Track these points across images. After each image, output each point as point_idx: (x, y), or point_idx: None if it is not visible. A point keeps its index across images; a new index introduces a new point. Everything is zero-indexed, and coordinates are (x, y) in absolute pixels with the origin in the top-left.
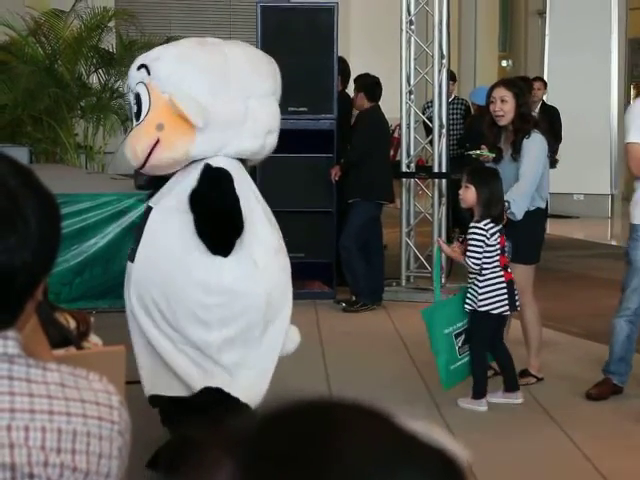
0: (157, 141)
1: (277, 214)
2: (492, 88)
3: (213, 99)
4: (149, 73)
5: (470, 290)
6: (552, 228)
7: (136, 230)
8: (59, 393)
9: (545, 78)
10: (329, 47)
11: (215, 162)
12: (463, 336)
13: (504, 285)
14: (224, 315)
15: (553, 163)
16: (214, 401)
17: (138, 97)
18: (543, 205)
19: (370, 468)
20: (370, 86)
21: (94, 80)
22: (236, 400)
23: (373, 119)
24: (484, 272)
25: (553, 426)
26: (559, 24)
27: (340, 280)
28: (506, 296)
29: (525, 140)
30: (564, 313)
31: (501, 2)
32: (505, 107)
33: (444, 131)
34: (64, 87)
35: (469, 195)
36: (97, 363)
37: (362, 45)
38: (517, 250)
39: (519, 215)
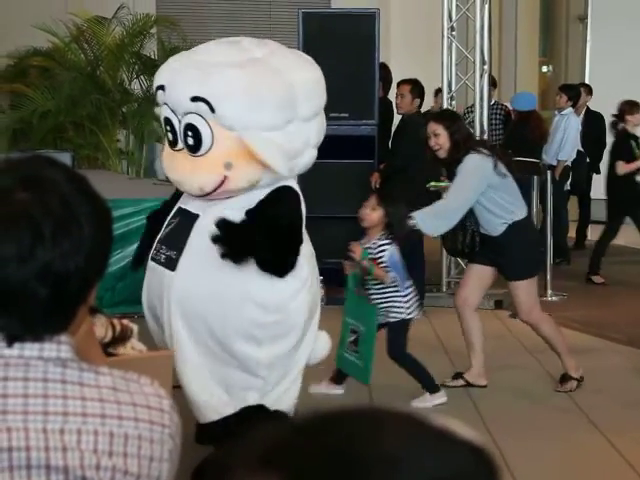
0: (224, 178)
1: (316, 219)
2: (424, 124)
3: (283, 133)
4: (213, 110)
5: (391, 303)
6: (594, 234)
7: (170, 234)
8: (111, 397)
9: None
10: (370, 53)
11: (286, 183)
12: (355, 336)
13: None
14: (277, 333)
15: (596, 169)
16: (254, 418)
17: (195, 130)
18: (519, 217)
19: (412, 473)
20: (423, 93)
21: (136, 86)
22: (268, 410)
23: (419, 124)
24: (404, 283)
25: (595, 433)
26: (600, 29)
27: None
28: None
29: (459, 165)
30: (605, 320)
31: (542, 8)
32: (439, 140)
33: (485, 136)
34: (106, 93)
35: (375, 216)
36: (145, 367)
37: (402, 51)
38: (510, 268)
39: (432, 233)
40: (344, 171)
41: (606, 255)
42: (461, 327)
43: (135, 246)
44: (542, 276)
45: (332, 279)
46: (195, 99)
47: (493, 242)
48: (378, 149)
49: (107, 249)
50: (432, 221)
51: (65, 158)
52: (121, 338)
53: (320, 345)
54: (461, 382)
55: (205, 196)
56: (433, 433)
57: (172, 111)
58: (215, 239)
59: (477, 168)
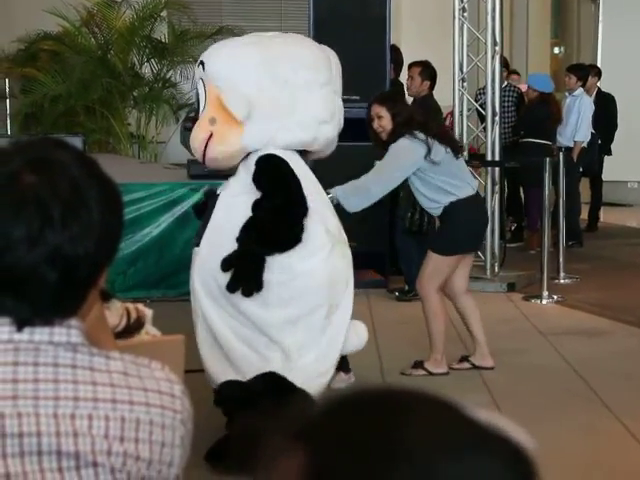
0: (210, 135)
1: None
2: (368, 106)
3: (259, 92)
4: (204, 68)
5: None
6: (606, 216)
7: (203, 218)
8: (122, 382)
9: (599, 64)
10: (382, 35)
11: (267, 151)
12: None
13: None
14: (283, 295)
15: (607, 151)
16: (269, 387)
17: (197, 93)
18: (460, 197)
19: (438, 455)
20: (435, 75)
21: (146, 70)
22: (291, 385)
23: (429, 106)
24: None
25: (609, 416)
26: (612, 10)
27: (393, 269)
28: None
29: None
30: (618, 302)
31: None
32: (382, 123)
33: (497, 119)
34: (117, 77)
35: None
36: (157, 352)
37: (413, 33)
38: (434, 238)
39: (352, 209)
40: (354, 153)
41: (619, 236)
42: (458, 313)
43: (146, 230)
44: (555, 259)
45: None
46: (199, 64)
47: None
48: None
49: (117, 233)
50: (352, 198)
51: (76, 142)
52: (136, 326)
53: (356, 333)
54: (467, 365)
55: (204, 161)
56: (469, 428)
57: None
58: (229, 287)
59: (406, 149)
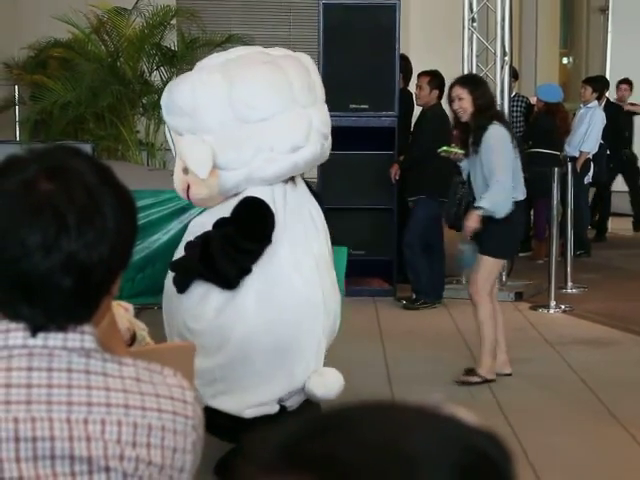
0: (188, 185)
1: (338, 211)
2: (450, 87)
3: (222, 128)
4: (166, 114)
5: None
6: (615, 226)
7: None
8: (134, 387)
9: (607, 75)
10: (391, 44)
11: (248, 192)
12: None
13: None
14: (204, 343)
15: (617, 162)
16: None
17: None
18: (513, 199)
19: (436, 455)
20: (443, 84)
21: (156, 78)
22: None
23: (438, 116)
24: None
25: (617, 426)
26: (622, 21)
27: (400, 277)
28: None
29: (485, 133)
30: (625, 312)
31: None
32: (463, 104)
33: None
34: (126, 84)
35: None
36: (168, 358)
37: (421, 43)
38: (486, 241)
39: (499, 210)
40: (364, 163)
41: (629, 247)
42: (476, 319)
43: (154, 237)
44: (562, 268)
45: (352, 270)
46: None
47: (484, 217)
48: (398, 140)
49: (131, 240)
50: (501, 204)
51: (86, 149)
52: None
53: (330, 381)
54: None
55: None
56: (449, 422)
57: None
58: (172, 265)
59: (504, 138)
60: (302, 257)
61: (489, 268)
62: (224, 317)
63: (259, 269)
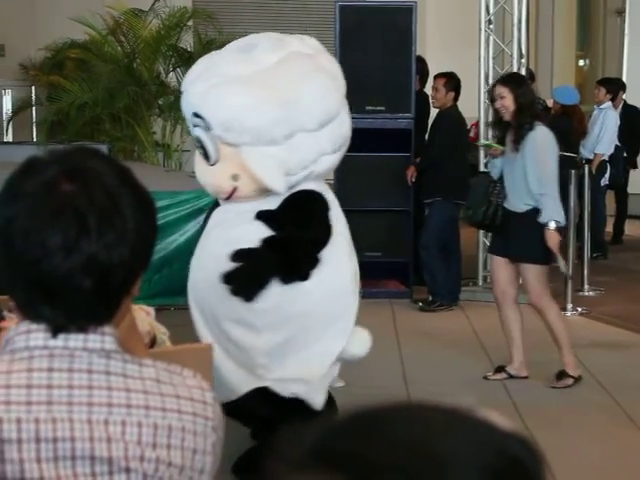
0: (234, 189)
1: (354, 213)
2: (492, 86)
3: (286, 147)
4: (209, 128)
5: None
6: (631, 229)
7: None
8: (155, 389)
9: (624, 77)
10: (407, 46)
11: (306, 186)
12: None
13: None
14: (268, 321)
15: (634, 164)
16: (261, 402)
17: (200, 141)
18: None
19: (469, 459)
20: (459, 86)
21: (172, 79)
22: (284, 399)
23: (455, 118)
24: None
25: (634, 429)
26: (638, 22)
27: (416, 279)
28: None
29: (530, 133)
30: None
31: (579, 1)
32: (505, 102)
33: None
34: (142, 86)
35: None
36: (186, 359)
37: (437, 45)
38: (523, 248)
39: (557, 215)
40: (380, 164)
41: None
42: (501, 321)
43: (171, 238)
44: (579, 271)
45: (369, 272)
46: (195, 115)
47: (514, 219)
48: (415, 142)
49: (151, 241)
50: (558, 211)
51: (102, 150)
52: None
53: (357, 342)
54: (503, 375)
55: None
56: (481, 425)
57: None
58: (226, 278)
59: (551, 140)
60: (348, 240)
61: (539, 275)
62: (286, 294)
63: None
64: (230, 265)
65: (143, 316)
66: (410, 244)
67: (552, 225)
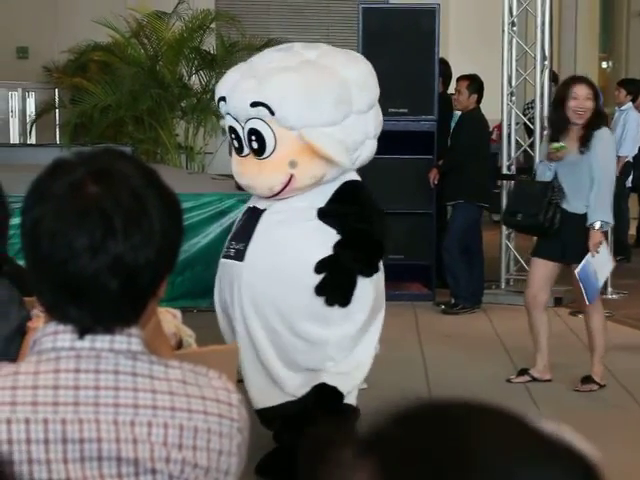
0: (291, 177)
1: None
2: (572, 84)
3: (341, 127)
4: (272, 113)
5: None
6: None
7: (239, 230)
8: (180, 390)
9: None
10: (430, 48)
11: (348, 177)
12: None
13: None
14: (344, 312)
15: None
16: (320, 399)
17: (258, 134)
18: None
19: (510, 469)
20: (482, 89)
21: (195, 81)
22: (341, 394)
23: (477, 120)
24: None
25: None
26: None
27: (439, 282)
28: None
29: (595, 132)
30: None
31: (602, 3)
32: (588, 105)
33: (545, 133)
34: (165, 88)
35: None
36: (211, 361)
37: (459, 47)
38: (584, 249)
39: (606, 216)
40: (403, 167)
41: None
42: (529, 324)
43: (194, 241)
44: None
45: (391, 275)
46: (255, 104)
47: (573, 221)
48: (437, 145)
49: (177, 242)
50: (608, 213)
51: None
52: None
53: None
54: (527, 378)
55: (274, 196)
56: (539, 440)
57: (235, 119)
58: (319, 290)
59: (613, 143)
60: None
61: None
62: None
63: None
64: (309, 269)
65: (169, 318)
66: (432, 247)
67: (597, 225)
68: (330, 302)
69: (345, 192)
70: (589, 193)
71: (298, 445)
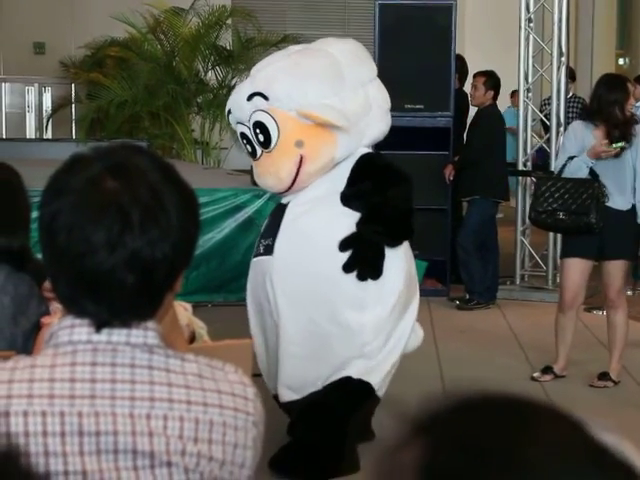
0: (301, 158)
1: None
2: (625, 84)
3: (338, 99)
4: (266, 99)
5: None
6: None
7: (266, 227)
8: (196, 384)
9: None
10: (447, 45)
11: (360, 153)
12: None
13: None
14: (376, 295)
15: None
16: (346, 392)
17: (261, 125)
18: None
19: (557, 471)
20: (499, 85)
21: (211, 77)
22: (369, 386)
23: (494, 117)
24: None
25: None
26: None
27: (453, 277)
28: None
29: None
30: None
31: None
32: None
33: (562, 129)
34: (182, 84)
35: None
36: (226, 355)
37: (475, 43)
38: (620, 245)
39: None
40: (419, 163)
41: None
42: (557, 321)
43: (209, 236)
44: None
45: None
46: (250, 97)
47: (616, 218)
48: (453, 141)
49: (194, 237)
50: None
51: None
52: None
53: (414, 333)
54: (552, 376)
55: (293, 185)
56: (593, 449)
57: (241, 123)
58: (346, 267)
59: None
60: None
61: (626, 271)
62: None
63: None
64: (339, 255)
65: (181, 311)
66: (447, 242)
67: None
68: (361, 276)
69: (360, 169)
70: (631, 190)
71: (311, 439)
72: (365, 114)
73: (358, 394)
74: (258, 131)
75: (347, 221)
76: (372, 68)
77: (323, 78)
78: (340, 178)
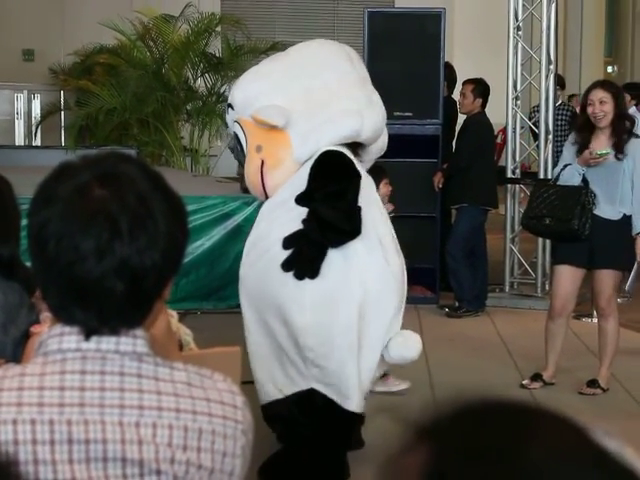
0: (262, 162)
1: None
2: (588, 91)
3: (286, 96)
4: (232, 107)
5: None
6: None
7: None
8: (185, 392)
9: None
10: (435, 53)
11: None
12: None
13: None
14: (321, 297)
15: None
16: (309, 405)
17: (236, 136)
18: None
19: (560, 475)
20: (488, 93)
21: (201, 84)
22: (331, 401)
23: (482, 124)
24: None
25: None
26: None
27: (442, 285)
28: None
29: (632, 140)
30: None
31: (607, 7)
32: (605, 108)
33: (550, 137)
34: (171, 91)
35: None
36: (214, 363)
37: (464, 51)
38: (611, 254)
39: None
40: (408, 170)
41: None
42: (547, 329)
43: (198, 243)
44: None
45: None
46: (227, 107)
47: (604, 227)
48: (442, 148)
49: (182, 244)
50: None
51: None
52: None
53: (409, 345)
54: (540, 383)
55: (267, 193)
56: (594, 454)
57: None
58: (284, 265)
59: None
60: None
61: (617, 281)
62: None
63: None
64: (283, 254)
65: (173, 321)
66: (437, 250)
67: None
68: (298, 275)
69: (313, 168)
70: (623, 200)
71: (299, 448)
72: (321, 108)
73: (322, 409)
74: (237, 142)
75: (299, 223)
76: (333, 67)
77: (267, 77)
78: (300, 180)
